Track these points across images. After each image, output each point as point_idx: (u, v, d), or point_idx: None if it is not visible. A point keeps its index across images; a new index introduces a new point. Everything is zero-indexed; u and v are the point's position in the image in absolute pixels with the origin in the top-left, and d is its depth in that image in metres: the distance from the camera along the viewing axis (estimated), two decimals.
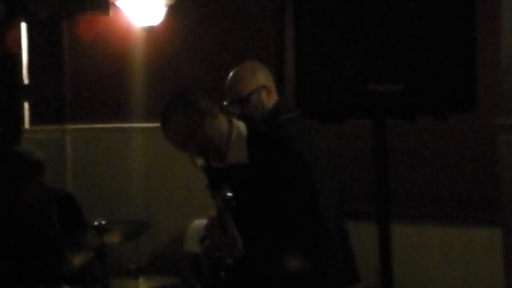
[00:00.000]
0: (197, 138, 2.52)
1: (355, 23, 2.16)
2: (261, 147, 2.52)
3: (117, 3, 5.31)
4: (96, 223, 3.77)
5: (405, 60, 2.12)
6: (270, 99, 3.18)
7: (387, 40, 2.13)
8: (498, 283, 4.06)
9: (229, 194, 2.24)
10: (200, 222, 4.88)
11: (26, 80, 5.70)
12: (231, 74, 3.23)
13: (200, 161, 2.61)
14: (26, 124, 5.73)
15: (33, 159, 3.94)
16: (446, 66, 2.10)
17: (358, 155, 4.53)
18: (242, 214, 2.31)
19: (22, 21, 5.53)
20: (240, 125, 2.59)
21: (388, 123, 2.24)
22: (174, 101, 2.58)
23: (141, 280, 4.30)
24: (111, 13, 5.32)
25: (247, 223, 2.37)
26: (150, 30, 5.35)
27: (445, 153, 4.41)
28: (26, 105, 5.74)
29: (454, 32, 2.10)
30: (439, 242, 4.43)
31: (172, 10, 5.32)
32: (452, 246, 4.38)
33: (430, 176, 4.46)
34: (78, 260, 3.88)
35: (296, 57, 2.21)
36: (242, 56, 5.15)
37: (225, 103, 3.20)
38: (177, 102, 2.57)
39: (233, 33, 5.21)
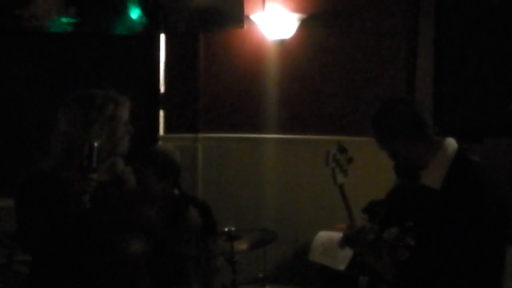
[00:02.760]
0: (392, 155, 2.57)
1: (497, 42, 2.14)
2: (463, 181, 2.44)
3: (252, 17, 5.45)
4: (226, 229, 3.85)
5: None
6: None
7: None
8: None
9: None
10: (326, 234, 4.91)
11: (162, 89, 5.90)
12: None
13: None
14: (161, 131, 5.92)
15: (169, 159, 3.99)
16: None
17: (494, 174, 4.41)
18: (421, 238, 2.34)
19: (162, 32, 5.73)
20: (450, 146, 2.44)
21: None
22: (374, 117, 2.61)
23: None
24: (245, 26, 5.46)
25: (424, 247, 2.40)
26: (282, 43, 5.46)
27: None
28: (161, 113, 5.93)
29: None
30: None
31: (304, 24, 5.39)
32: None
33: None
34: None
35: (435, 76, 2.22)
36: (373, 70, 5.14)
37: None
38: (374, 120, 2.60)
39: (365, 47, 5.20)
